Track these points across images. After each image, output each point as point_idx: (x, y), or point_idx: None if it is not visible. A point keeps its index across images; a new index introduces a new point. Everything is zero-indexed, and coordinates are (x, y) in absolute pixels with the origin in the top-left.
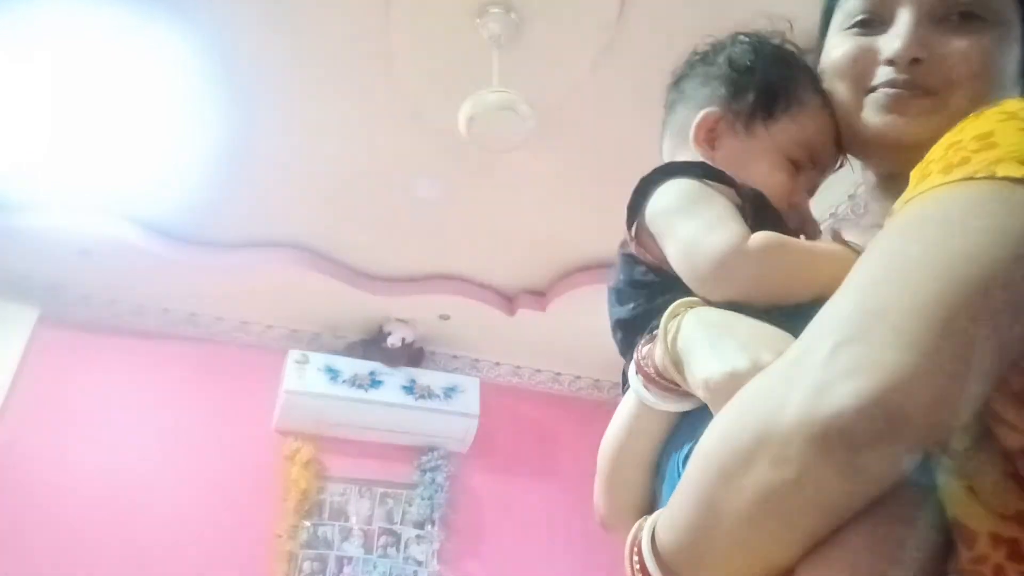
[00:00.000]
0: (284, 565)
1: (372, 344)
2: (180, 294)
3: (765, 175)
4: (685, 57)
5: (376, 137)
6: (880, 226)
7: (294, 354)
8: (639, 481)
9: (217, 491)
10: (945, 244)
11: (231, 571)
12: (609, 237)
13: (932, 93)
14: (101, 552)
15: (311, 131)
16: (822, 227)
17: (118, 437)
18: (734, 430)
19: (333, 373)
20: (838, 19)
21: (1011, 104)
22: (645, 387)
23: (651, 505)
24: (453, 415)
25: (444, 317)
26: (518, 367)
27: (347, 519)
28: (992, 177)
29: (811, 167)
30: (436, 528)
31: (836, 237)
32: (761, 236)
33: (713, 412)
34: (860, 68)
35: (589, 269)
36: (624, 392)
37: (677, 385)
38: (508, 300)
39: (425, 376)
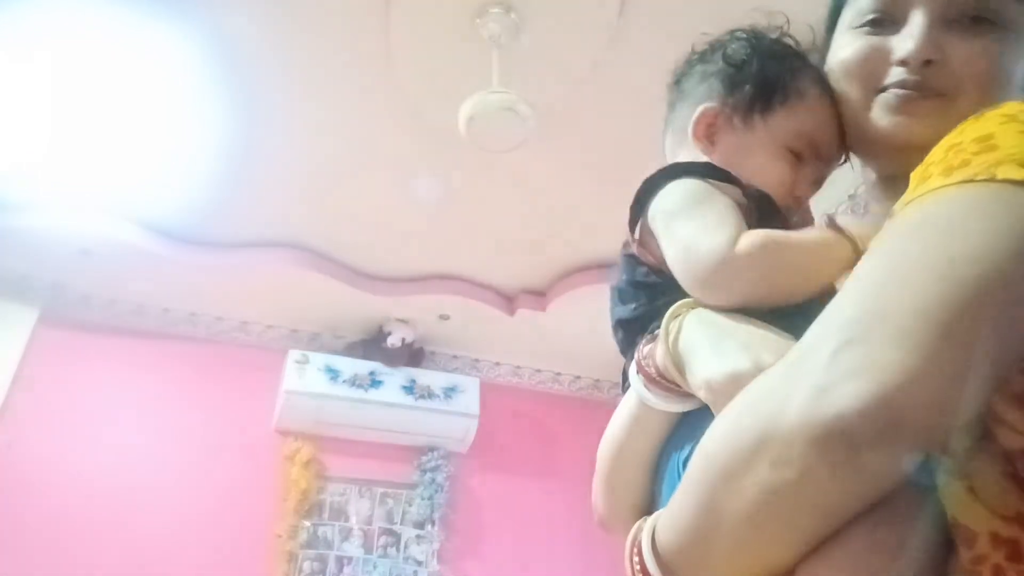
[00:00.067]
0: (284, 565)
1: (372, 344)
2: (180, 294)
3: (765, 167)
4: (685, 57)
5: (376, 137)
6: (880, 226)
7: (294, 354)
8: (638, 481)
9: (217, 491)
10: (946, 246)
11: (231, 571)
12: (609, 237)
13: (941, 95)
14: (101, 552)
15: (311, 131)
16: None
17: (118, 437)
18: (736, 431)
19: (333, 373)
20: (848, 17)
21: (1011, 106)
22: (646, 387)
23: (650, 505)
24: (453, 415)
25: (444, 317)
26: (518, 367)
27: (347, 519)
28: (992, 179)
29: (814, 159)
30: (436, 528)
31: (830, 224)
32: (750, 239)
33: (714, 413)
34: (870, 68)
35: (589, 269)
36: (624, 391)
37: (678, 385)
38: (508, 300)
39: (425, 376)
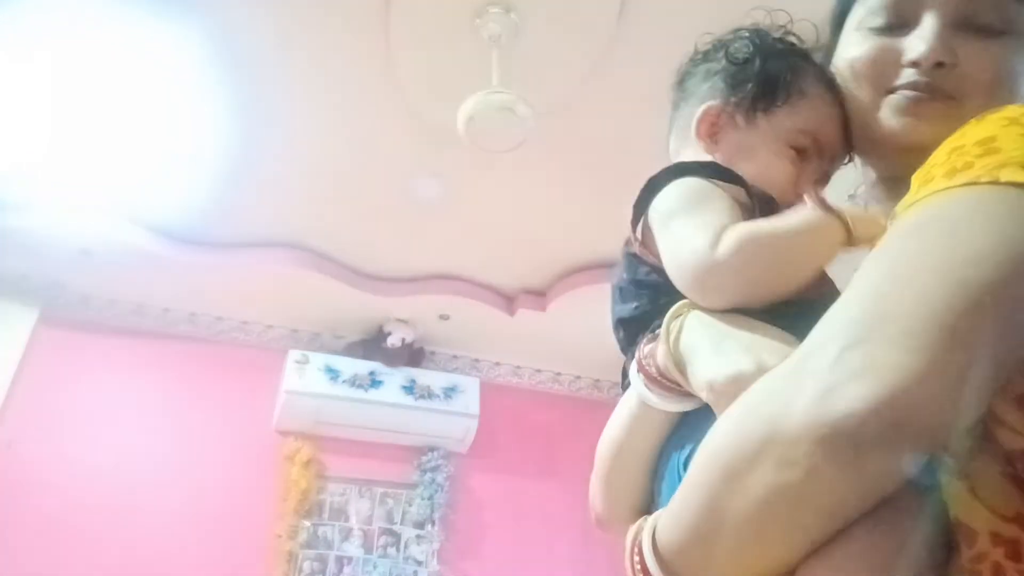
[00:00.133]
0: (284, 565)
1: (372, 344)
2: (180, 294)
3: (768, 165)
4: (687, 56)
5: (376, 137)
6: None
7: (294, 354)
8: (637, 480)
9: (217, 491)
10: (950, 248)
11: (231, 571)
12: (609, 237)
13: (951, 98)
14: (101, 552)
15: (311, 131)
16: None
17: (118, 437)
18: (740, 431)
19: (333, 373)
20: (857, 16)
21: (1012, 110)
22: (646, 386)
23: (649, 504)
24: (453, 415)
25: (444, 317)
26: (518, 367)
27: (347, 519)
28: (996, 182)
29: (817, 157)
30: (436, 528)
31: (817, 202)
32: (730, 238)
33: (717, 414)
34: (880, 68)
35: (589, 269)
36: (624, 390)
37: (679, 385)
38: (508, 300)
39: (425, 376)
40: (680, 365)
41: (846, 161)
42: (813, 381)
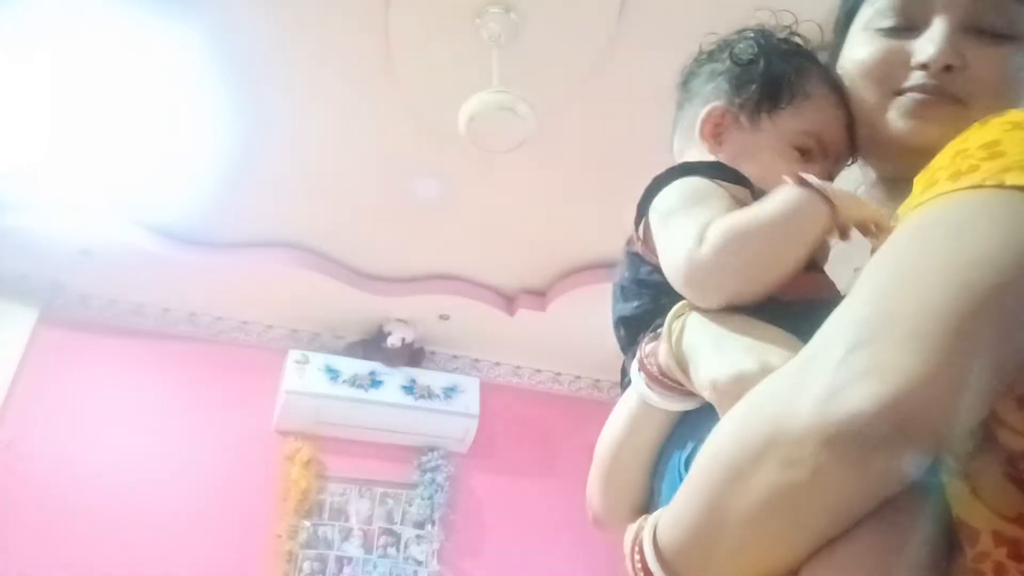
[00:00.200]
0: (284, 565)
1: (372, 344)
2: (180, 294)
3: (772, 166)
4: (691, 57)
5: (376, 137)
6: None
7: (294, 354)
8: (637, 479)
9: (217, 491)
10: (956, 250)
11: (231, 571)
12: (609, 237)
13: (958, 101)
14: (101, 551)
15: (311, 131)
16: None
17: (118, 437)
18: (744, 430)
19: (333, 373)
20: (865, 16)
21: (1016, 114)
22: (647, 385)
23: (648, 504)
24: (453, 415)
25: (444, 317)
26: (518, 367)
27: (347, 519)
28: (1001, 185)
29: (821, 157)
30: (436, 528)
31: (799, 180)
32: (712, 234)
33: (720, 413)
34: (888, 70)
35: (589, 269)
36: (623, 389)
37: (680, 384)
38: (508, 300)
39: (425, 376)
40: (682, 364)
41: (850, 162)
42: (819, 381)
